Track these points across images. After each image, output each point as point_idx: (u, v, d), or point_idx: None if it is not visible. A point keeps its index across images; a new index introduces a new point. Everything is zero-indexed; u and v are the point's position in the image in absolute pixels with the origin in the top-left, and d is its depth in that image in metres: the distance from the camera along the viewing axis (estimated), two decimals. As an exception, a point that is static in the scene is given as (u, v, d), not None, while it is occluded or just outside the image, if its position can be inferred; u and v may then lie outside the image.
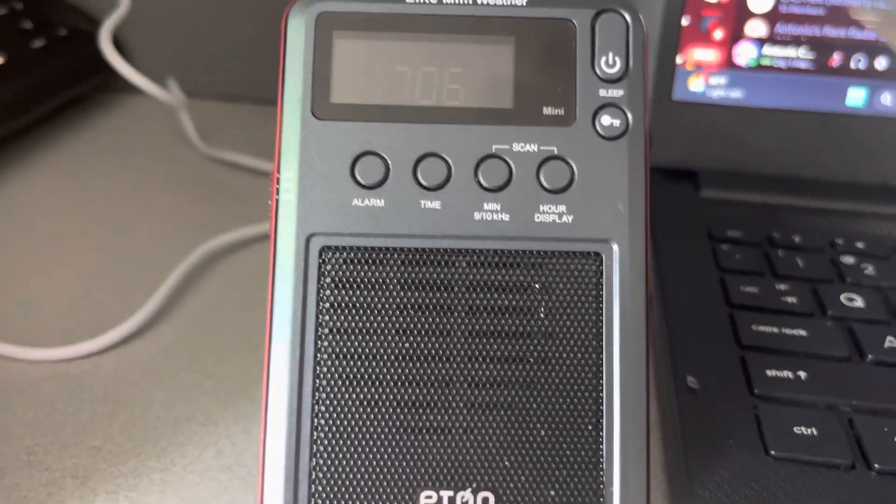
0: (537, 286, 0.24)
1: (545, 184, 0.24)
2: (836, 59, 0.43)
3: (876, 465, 0.27)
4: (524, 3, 0.25)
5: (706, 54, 0.44)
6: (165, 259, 0.40)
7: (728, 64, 0.44)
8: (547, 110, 0.24)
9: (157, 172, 0.49)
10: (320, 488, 0.23)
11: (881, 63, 0.43)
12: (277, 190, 0.24)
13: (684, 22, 0.43)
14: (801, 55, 0.43)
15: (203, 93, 0.57)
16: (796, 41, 0.43)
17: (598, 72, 0.25)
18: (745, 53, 0.44)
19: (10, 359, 0.34)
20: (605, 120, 0.24)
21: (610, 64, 0.25)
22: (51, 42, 0.53)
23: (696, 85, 0.44)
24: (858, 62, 0.43)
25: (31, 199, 0.46)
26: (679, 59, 0.44)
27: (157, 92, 0.48)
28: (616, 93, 0.24)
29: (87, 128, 0.55)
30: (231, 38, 0.57)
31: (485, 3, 0.25)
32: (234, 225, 0.43)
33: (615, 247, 0.24)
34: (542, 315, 0.24)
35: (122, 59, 0.48)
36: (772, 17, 0.43)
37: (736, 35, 0.43)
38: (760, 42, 0.43)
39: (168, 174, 0.49)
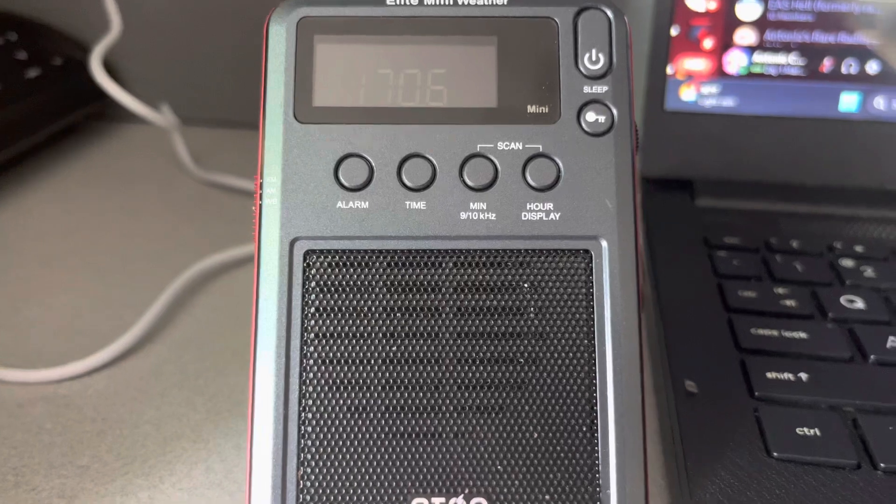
0: (526, 285, 0.24)
1: (531, 182, 0.24)
2: (826, 64, 0.43)
3: (882, 465, 0.26)
4: (505, 3, 0.25)
5: (697, 64, 0.44)
6: (158, 280, 0.40)
7: (719, 73, 0.44)
8: (531, 108, 0.24)
9: (150, 196, 0.49)
10: (308, 497, 0.22)
11: (873, 67, 0.43)
12: (261, 195, 0.24)
13: (674, 32, 0.44)
14: (791, 62, 0.43)
15: (196, 118, 0.57)
16: (786, 48, 0.43)
17: (581, 69, 0.24)
18: (735, 62, 0.44)
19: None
20: (591, 116, 0.24)
21: (593, 61, 0.24)
22: (45, 71, 0.53)
23: (687, 94, 0.44)
24: (850, 67, 0.43)
25: (25, 224, 0.46)
26: (670, 70, 0.44)
27: (150, 115, 0.48)
28: (600, 89, 0.24)
29: (82, 154, 0.55)
30: (222, 62, 0.57)
31: (466, 3, 0.25)
32: (226, 245, 0.42)
33: (604, 243, 0.24)
34: (531, 315, 0.23)
35: (114, 83, 0.48)
36: (760, 24, 0.43)
37: (726, 43, 0.43)
38: (750, 50, 0.43)
39: (161, 197, 0.49)
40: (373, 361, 0.23)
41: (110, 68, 0.51)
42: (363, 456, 0.23)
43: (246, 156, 0.54)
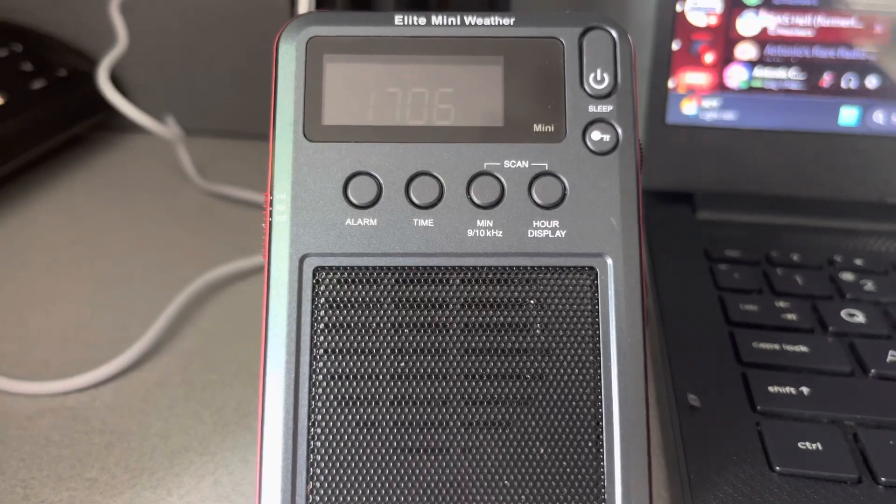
0: (532, 302, 0.24)
1: (537, 199, 0.24)
2: (826, 79, 0.43)
3: (882, 479, 0.26)
4: (512, 23, 0.25)
5: (698, 78, 0.44)
6: (164, 291, 0.40)
7: (720, 87, 0.44)
8: (537, 127, 0.25)
9: (155, 207, 0.50)
10: (317, 511, 0.23)
11: (872, 82, 0.43)
12: (271, 212, 0.24)
13: (675, 46, 0.44)
14: (791, 76, 0.44)
15: (200, 129, 0.58)
16: (786, 62, 0.43)
17: (586, 88, 0.25)
18: (736, 76, 0.44)
19: (7, 393, 0.33)
20: (595, 135, 0.24)
21: (598, 80, 0.25)
22: (51, 83, 0.54)
23: (688, 108, 0.45)
24: (849, 81, 0.43)
25: (31, 235, 0.46)
26: (671, 84, 0.45)
27: (155, 127, 0.49)
28: (605, 108, 0.25)
29: (87, 165, 0.55)
30: (226, 74, 0.58)
31: (473, 23, 0.25)
32: (231, 257, 0.43)
33: (609, 261, 0.24)
34: (538, 331, 0.24)
35: (120, 95, 0.48)
36: (761, 39, 0.43)
37: (726, 58, 0.44)
38: (751, 64, 0.44)
39: (166, 209, 0.50)
40: (381, 377, 0.23)
41: (115, 80, 0.51)
42: (372, 470, 0.23)
43: (250, 166, 0.55)
